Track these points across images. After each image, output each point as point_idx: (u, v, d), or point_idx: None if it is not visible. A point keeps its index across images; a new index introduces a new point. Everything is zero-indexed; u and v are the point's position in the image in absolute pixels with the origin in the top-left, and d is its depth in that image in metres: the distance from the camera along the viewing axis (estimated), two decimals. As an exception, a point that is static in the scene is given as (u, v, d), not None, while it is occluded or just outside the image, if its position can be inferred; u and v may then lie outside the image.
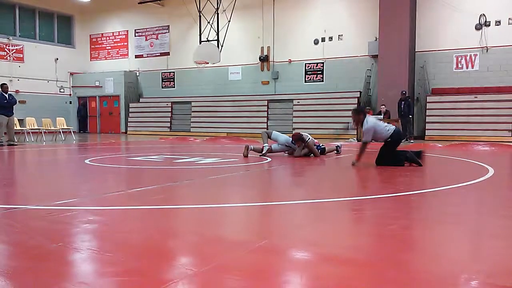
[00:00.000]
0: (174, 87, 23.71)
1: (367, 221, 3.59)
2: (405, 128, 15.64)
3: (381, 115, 15.37)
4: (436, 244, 2.88)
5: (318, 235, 3.05)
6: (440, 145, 12.96)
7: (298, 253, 2.62)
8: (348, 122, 17.69)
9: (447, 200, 4.52)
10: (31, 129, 16.28)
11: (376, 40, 17.73)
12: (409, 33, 16.86)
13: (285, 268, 2.40)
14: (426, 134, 16.74)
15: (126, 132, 23.80)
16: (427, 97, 17.17)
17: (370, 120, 7.44)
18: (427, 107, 17.05)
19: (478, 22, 16.48)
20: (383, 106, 15.65)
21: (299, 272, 2.32)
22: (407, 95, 15.93)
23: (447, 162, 8.73)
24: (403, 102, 15.57)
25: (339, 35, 19.11)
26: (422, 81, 17.47)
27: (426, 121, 16.96)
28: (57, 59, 24.62)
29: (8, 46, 22.64)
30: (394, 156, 7.50)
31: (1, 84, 13.27)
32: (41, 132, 16.68)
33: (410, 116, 15.81)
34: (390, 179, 6.23)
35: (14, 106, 13.35)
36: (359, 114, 7.59)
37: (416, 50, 17.38)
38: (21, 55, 23.15)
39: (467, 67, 16.79)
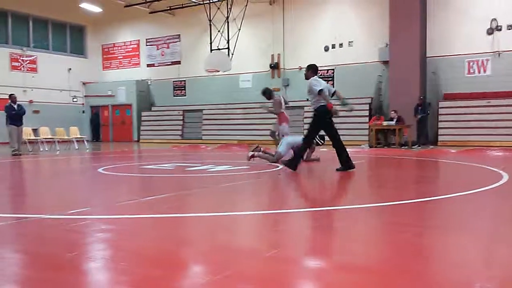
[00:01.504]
0: (185, 96, 23.82)
1: (380, 228, 3.58)
2: (421, 133, 15.57)
3: (392, 121, 15.29)
4: (450, 251, 2.86)
5: (330, 243, 3.05)
6: (453, 151, 12.86)
7: (311, 262, 2.62)
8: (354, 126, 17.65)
9: (461, 206, 4.49)
10: (45, 138, 16.45)
11: (386, 46, 17.68)
12: (420, 39, 16.79)
13: (297, 276, 2.40)
14: (438, 139, 16.61)
15: (138, 141, 23.95)
16: (439, 102, 17.06)
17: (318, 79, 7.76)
18: (439, 113, 16.93)
19: (489, 26, 16.36)
20: (393, 112, 15.53)
21: (311, 280, 2.32)
22: (424, 100, 15.86)
23: (460, 168, 8.66)
24: (419, 108, 15.51)
25: (349, 42, 19.09)
26: (433, 86, 17.36)
27: (439, 126, 16.83)
28: (70, 69, 24.89)
29: (22, 57, 22.96)
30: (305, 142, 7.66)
31: (10, 95, 13.41)
32: (54, 142, 16.85)
33: (428, 113, 15.65)
34: (403, 185, 6.20)
35: (24, 116, 13.43)
36: (308, 70, 8.12)
37: (427, 56, 17.29)
38: (35, 66, 23.46)
39: (479, 72, 16.66)
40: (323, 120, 7.53)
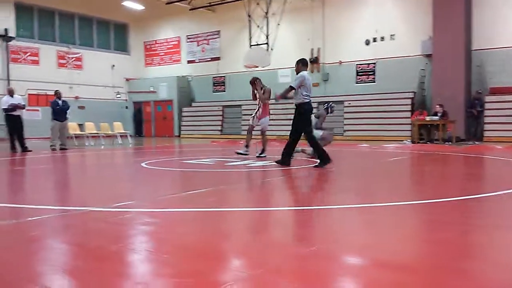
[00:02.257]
0: (224, 91, 24.01)
1: (421, 226, 3.52)
2: (476, 128, 15.10)
3: (437, 116, 14.87)
4: (496, 250, 2.78)
5: (371, 241, 3.02)
6: (499, 147, 12.43)
7: (351, 258, 2.61)
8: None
9: (507, 204, 4.35)
10: (90, 133, 16.98)
11: (429, 39, 17.24)
12: (465, 31, 16.27)
13: (337, 273, 2.40)
14: (484, 135, 16.08)
15: (179, 136, 24.34)
16: (485, 97, 16.50)
17: (306, 73, 7.71)
18: (485, 107, 16.38)
19: (540, 16, 15.67)
20: (438, 106, 15.08)
21: (351, 277, 2.31)
22: (481, 94, 15.44)
23: (507, 164, 8.37)
24: (476, 101, 15.02)
25: (391, 35, 18.71)
26: (479, 80, 16.81)
27: (484, 121, 16.29)
28: (114, 65, 25.55)
29: (68, 55, 23.73)
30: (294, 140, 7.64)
31: (55, 91, 13.85)
32: (99, 136, 17.36)
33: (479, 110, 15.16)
34: (445, 182, 6.06)
35: (70, 112, 13.83)
36: (298, 63, 8.00)
37: (472, 49, 16.74)
38: (80, 63, 24.21)
39: (528, 65, 16.00)
40: (307, 117, 7.64)
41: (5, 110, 12.47)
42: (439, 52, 16.53)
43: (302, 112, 7.55)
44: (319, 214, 3.98)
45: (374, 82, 19.19)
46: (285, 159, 7.63)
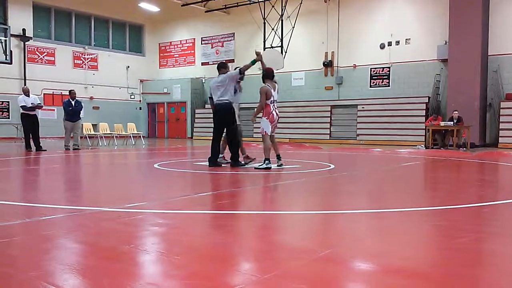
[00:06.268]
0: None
1: (435, 233, 3.48)
2: None
3: (452, 121, 14.70)
4: (510, 259, 2.74)
5: (383, 246, 2.99)
6: (515, 154, 12.26)
7: (363, 264, 2.58)
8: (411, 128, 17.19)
9: (523, 212, 4.28)
10: (104, 133, 17.10)
11: (446, 43, 17.10)
12: (481, 36, 16.10)
13: (348, 279, 2.38)
14: (499, 141, 15.89)
15: (192, 137, 24.42)
16: (501, 102, 16.31)
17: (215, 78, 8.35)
18: (500, 113, 16.19)
19: (558, 22, 15.44)
20: (456, 112, 14.89)
21: (363, 283, 2.29)
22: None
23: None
24: None
25: (406, 39, 18.59)
26: (495, 86, 16.62)
27: (500, 128, 16.10)
28: (128, 67, 25.73)
29: (84, 55, 23.96)
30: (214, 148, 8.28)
31: (69, 91, 13.87)
32: (113, 137, 17.48)
33: None
34: (460, 189, 5.99)
35: (85, 112, 13.81)
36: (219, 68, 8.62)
37: (489, 54, 16.56)
38: (96, 63, 24.42)
39: (545, 71, 15.77)
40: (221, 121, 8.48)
41: (25, 108, 12.59)
42: (455, 57, 16.38)
43: (219, 113, 8.40)
44: (331, 219, 3.96)
45: (388, 86, 19.08)
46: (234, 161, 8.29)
